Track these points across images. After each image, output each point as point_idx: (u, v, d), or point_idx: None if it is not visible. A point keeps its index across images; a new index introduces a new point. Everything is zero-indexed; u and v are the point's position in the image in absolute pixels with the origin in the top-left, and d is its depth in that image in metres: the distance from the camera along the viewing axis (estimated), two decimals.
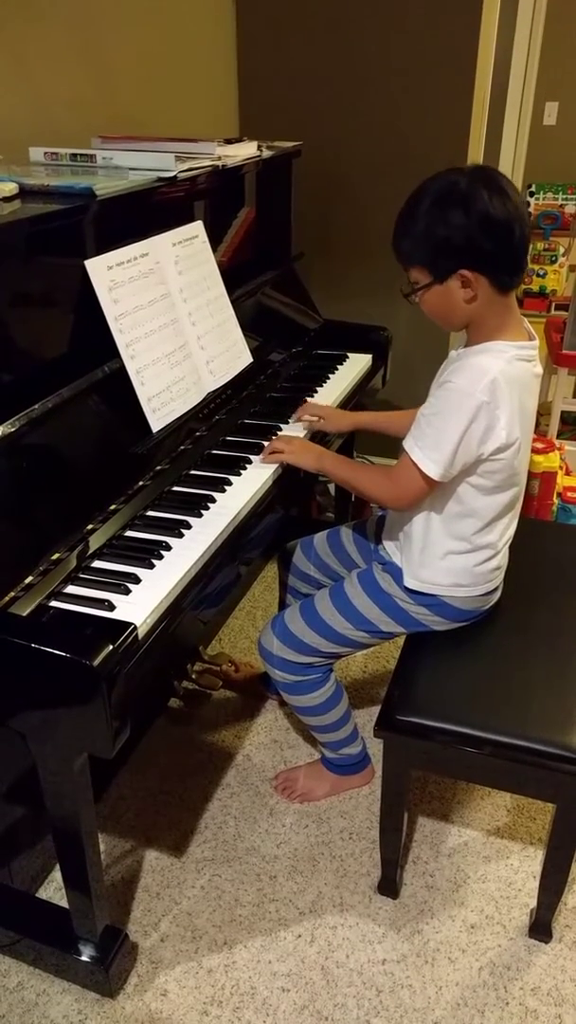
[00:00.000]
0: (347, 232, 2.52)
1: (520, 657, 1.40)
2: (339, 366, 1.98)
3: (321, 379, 1.90)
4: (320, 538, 1.71)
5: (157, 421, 1.40)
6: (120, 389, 1.35)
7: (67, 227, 1.28)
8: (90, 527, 1.22)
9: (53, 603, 1.10)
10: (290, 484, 1.51)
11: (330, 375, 1.93)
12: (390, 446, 1.91)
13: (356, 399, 1.93)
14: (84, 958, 1.32)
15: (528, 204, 4.57)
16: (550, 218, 4.67)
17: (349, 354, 2.05)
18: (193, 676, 1.87)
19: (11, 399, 1.18)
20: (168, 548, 1.23)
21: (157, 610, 1.11)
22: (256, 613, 2.28)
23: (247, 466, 1.48)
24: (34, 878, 1.51)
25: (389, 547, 1.49)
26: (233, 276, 1.72)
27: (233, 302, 1.66)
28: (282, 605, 1.85)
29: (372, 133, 2.37)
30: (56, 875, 1.52)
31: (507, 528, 1.40)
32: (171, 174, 1.48)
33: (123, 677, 1.00)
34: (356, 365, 2.01)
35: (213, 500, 1.37)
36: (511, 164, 4.31)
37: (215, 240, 1.72)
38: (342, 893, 1.50)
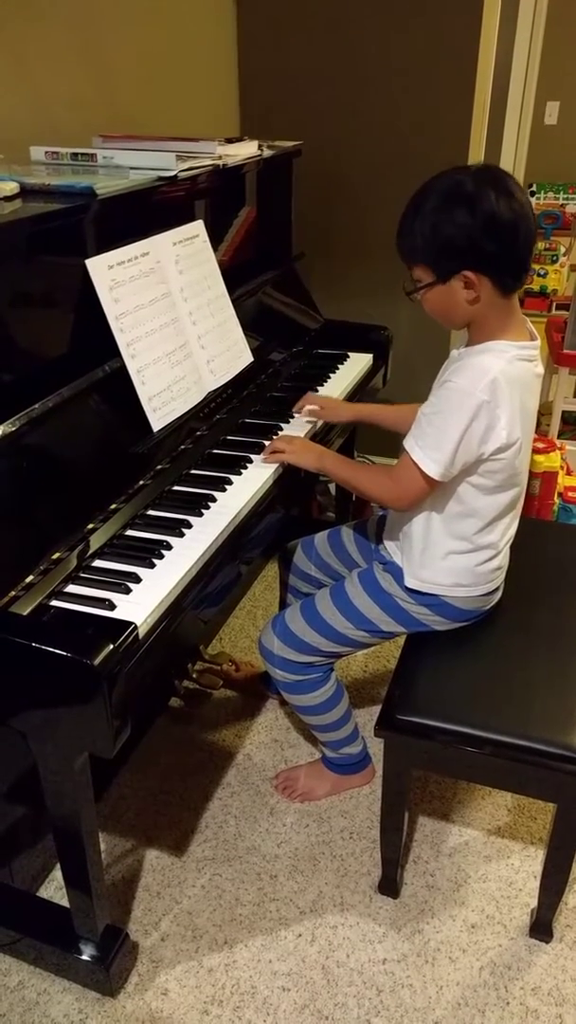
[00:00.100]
0: (348, 232, 2.52)
1: (521, 657, 1.40)
2: (340, 366, 1.98)
3: (322, 378, 1.90)
4: (321, 538, 1.71)
5: (158, 420, 1.40)
6: (121, 388, 1.35)
7: (68, 226, 1.28)
8: (91, 526, 1.22)
9: (54, 602, 1.10)
10: (291, 484, 1.51)
11: (331, 374, 1.93)
12: (391, 445, 1.91)
13: (357, 399, 1.93)
14: (85, 957, 1.32)
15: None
16: (551, 218, 4.67)
17: (350, 354, 2.05)
18: (194, 675, 1.87)
19: (11, 398, 1.18)
20: (169, 547, 1.23)
21: (158, 609, 1.11)
22: (257, 612, 2.28)
23: (248, 465, 1.48)
24: (35, 877, 1.51)
25: (390, 547, 1.49)
26: (234, 275, 1.72)
27: (234, 301, 1.66)
28: (283, 604, 1.85)
29: (372, 133, 2.38)
30: (57, 874, 1.52)
31: (508, 528, 1.40)
32: (172, 173, 1.48)
33: (124, 676, 1.00)
34: (357, 365, 2.01)
35: (214, 499, 1.37)
36: (512, 164, 4.32)
37: (216, 239, 1.72)
38: (343, 892, 1.50)
